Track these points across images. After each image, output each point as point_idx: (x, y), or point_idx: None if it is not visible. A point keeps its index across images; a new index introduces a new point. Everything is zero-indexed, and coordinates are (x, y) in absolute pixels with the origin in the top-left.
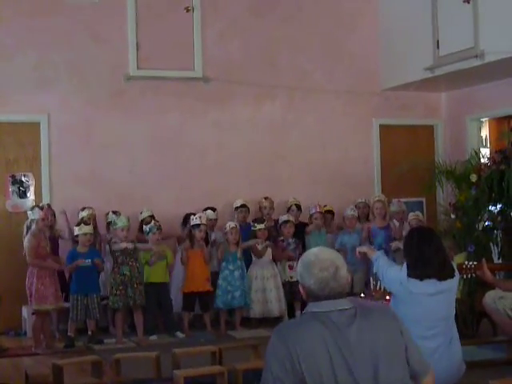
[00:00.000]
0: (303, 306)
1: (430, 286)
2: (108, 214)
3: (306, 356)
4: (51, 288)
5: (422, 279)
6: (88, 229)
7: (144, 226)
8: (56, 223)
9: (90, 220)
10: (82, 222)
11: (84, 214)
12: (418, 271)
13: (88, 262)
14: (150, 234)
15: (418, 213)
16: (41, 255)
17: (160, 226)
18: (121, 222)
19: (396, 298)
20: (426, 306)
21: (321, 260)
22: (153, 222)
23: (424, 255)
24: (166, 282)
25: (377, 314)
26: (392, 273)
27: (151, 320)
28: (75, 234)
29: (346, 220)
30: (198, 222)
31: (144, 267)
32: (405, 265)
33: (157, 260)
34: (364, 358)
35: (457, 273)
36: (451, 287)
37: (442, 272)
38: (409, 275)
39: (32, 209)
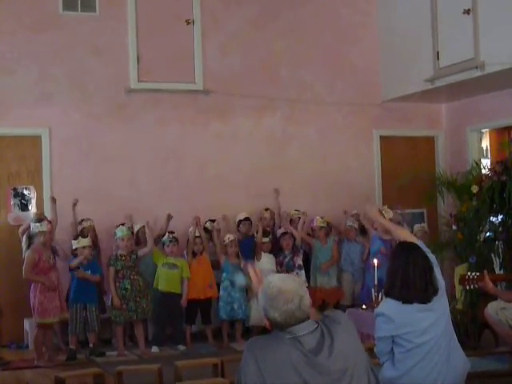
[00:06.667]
0: None
1: (416, 321)
2: (118, 227)
3: (273, 375)
4: (54, 301)
5: (403, 303)
6: (86, 242)
7: (162, 239)
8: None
9: (89, 232)
10: (80, 235)
11: (84, 225)
12: (400, 294)
13: (97, 276)
14: (165, 246)
15: (423, 225)
16: (44, 268)
17: (175, 238)
18: (121, 232)
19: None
20: (419, 343)
21: (284, 292)
22: (167, 233)
23: (409, 279)
24: (178, 292)
25: (340, 330)
26: (380, 333)
27: (160, 330)
28: (73, 247)
29: (345, 231)
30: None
31: (158, 271)
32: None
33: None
34: (339, 376)
35: (441, 288)
36: (439, 315)
37: (425, 295)
38: (387, 295)
39: (39, 221)
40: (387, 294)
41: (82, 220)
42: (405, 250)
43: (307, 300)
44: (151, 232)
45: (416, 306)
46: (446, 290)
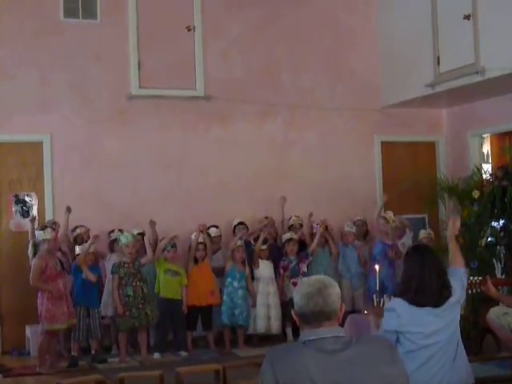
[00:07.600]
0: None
1: (422, 323)
2: (112, 231)
3: (287, 380)
4: (62, 307)
5: (416, 306)
6: (91, 248)
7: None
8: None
9: (84, 238)
10: (74, 242)
11: (78, 232)
12: (414, 298)
13: (95, 275)
14: (165, 251)
15: (429, 231)
16: (51, 275)
17: (175, 244)
18: (125, 239)
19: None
20: (422, 345)
21: (310, 279)
22: (170, 238)
23: (424, 283)
24: (179, 299)
25: (373, 343)
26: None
27: (162, 336)
28: (77, 252)
29: (343, 236)
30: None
31: (160, 278)
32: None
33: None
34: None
35: (457, 296)
36: (448, 322)
37: (439, 299)
38: (400, 295)
39: (43, 229)
40: (400, 297)
41: (76, 227)
42: (418, 253)
43: (333, 291)
44: (149, 242)
45: (427, 309)
46: None
